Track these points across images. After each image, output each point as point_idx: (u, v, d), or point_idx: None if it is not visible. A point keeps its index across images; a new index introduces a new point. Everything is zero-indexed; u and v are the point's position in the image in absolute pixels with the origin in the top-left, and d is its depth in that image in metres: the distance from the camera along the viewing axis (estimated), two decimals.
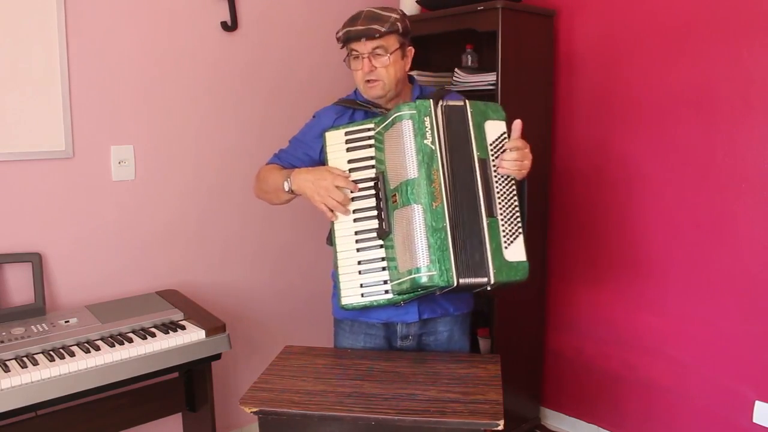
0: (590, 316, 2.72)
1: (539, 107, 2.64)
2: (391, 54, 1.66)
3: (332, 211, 1.64)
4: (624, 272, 2.59)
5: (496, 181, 1.58)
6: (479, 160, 1.58)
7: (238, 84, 2.55)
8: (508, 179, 1.60)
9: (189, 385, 2.24)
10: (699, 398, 2.41)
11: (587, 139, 2.67)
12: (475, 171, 1.57)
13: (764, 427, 2.24)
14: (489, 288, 1.56)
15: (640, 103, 2.49)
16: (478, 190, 1.56)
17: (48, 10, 2.05)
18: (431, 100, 1.58)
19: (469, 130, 1.59)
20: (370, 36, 1.63)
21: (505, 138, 1.62)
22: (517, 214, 1.60)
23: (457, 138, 1.58)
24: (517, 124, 1.60)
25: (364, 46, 1.65)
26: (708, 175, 2.32)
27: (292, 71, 2.70)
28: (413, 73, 2.64)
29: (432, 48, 3.00)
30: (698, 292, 2.38)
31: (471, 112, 1.60)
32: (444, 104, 1.60)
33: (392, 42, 1.67)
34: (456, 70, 2.62)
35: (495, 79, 2.43)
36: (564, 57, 2.71)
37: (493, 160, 1.59)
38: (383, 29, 1.63)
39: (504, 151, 1.60)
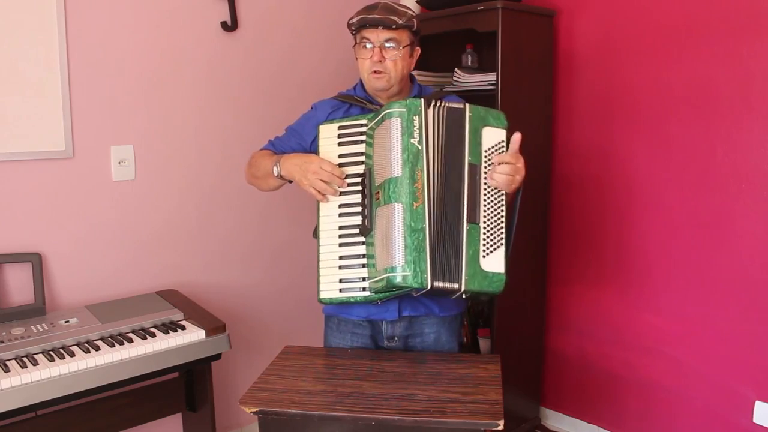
0: (590, 316, 2.72)
1: (539, 107, 2.64)
2: (402, 48, 1.66)
3: (321, 193, 1.63)
4: (624, 272, 2.59)
5: (485, 189, 1.57)
6: (469, 164, 1.56)
7: (238, 84, 2.55)
8: (498, 190, 1.58)
9: (189, 385, 2.24)
10: (699, 398, 2.41)
11: (587, 139, 2.67)
12: (464, 175, 1.56)
13: (764, 427, 2.24)
14: (463, 295, 1.54)
15: (639, 102, 2.49)
16: (463, 194, 1.55)
17: (48, 10, 2.05)
18: (422, 99, 1.57)
19: (465, 133, 1.57)
20: (387, 26, 1.63)
21: (502, 146, 1.60)
22: (502, 225, 1.57)
23: (450, 140, 1.57)
24: (516, 136, 1.58)
25: (377, 36, 1.65)
26: (708, 175, 2.32)
27: (291, 71, 2.70)
28: (413, 73, 2.65)
29: (432, 48, 2.99)
30: (698, 292, 2.38)
31: (469, 116, 1.58)
32: (442, 105, 1.59)
33: (405, 37, 1.66)
34: (456, 70, 2.62)
35: (495, 79, 2.43)
36: (564, 57, 2.71)
37: (485, 167, 1.57)
38: (401, 21, 1.63)
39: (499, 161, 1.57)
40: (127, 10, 2.23)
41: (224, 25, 2.47)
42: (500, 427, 1.35)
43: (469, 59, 2.71)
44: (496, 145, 1.59)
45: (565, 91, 2.72)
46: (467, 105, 1.60)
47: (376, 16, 1.63)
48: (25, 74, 2.02)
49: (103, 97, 2.21)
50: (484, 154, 1.58)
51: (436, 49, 2.97)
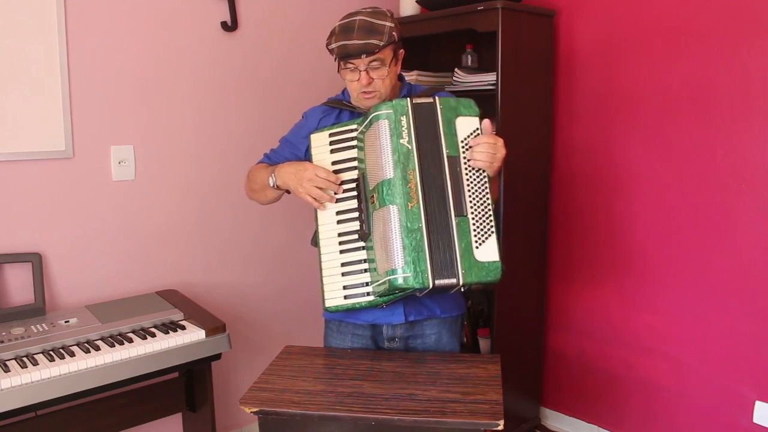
0: (590, 316, 2.73)
1: (539, 107, 2.64)
2: (388, 65, 1.63)
3: (317, 201, 1.63)
4: (624, 272, 2.59)
5: (468, 180, 1.55)
6: (449, 157, 1.54)
7: (238, 84, 2.55)
8: (480, 178, 1.55)
9: (189, 385, 2.24)
10: (699, 398, 2.41)
11: (587, 139, 2.67)
12: (444, 169, 1.54)
13: (764, 427, 2.24)
14: (462, 289, 1.53)
15: (639, 102, 2.49)
16: (447, 188, 1.53)
17: (48, 10, 2.05)
18: (408, 99, 1.56)
19: (439, 127, 1.55)
20: (369, 52, 1.59)
21: (478, 134, 1.57)
22: (490, 213, 1.56)
23: (427, 136, 1.55)
24: (486, 123, 1.56)
25: (361, 61, 1.61)
26: (708, 175, 2.32)
27: (291, 71, 2.70)
28: (413, 73, 2.66)
29: (432, 48, 3.00)
30: (698, 291, 2.38)
31: (441, 108, 1.56)
32: (413, 102, 1.56)
33: (388, 53, 1.62)
34: (456, 70, 2.62)
35: (495, 79, 2.43)
36: (564, 57, 2.71)
37: (464, 157, 1.55)
38: (381, 43, 1.57)
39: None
40: (127, 10, 2.23)
41: (224, 25, 2.47)
42: (500, 427, 1.35)
43: (469, 59, 2.71)
44: (471, 133, 1.57)
45: (564, 91, 2.72)
46: (437, 98, 1.58)
47: (356, 42, 1.57)
48: (25, 74, 2.02)
49: (103, 97, 2.21)
50: (461, 144, 1.56)
51: (436, 49, 2.97)
